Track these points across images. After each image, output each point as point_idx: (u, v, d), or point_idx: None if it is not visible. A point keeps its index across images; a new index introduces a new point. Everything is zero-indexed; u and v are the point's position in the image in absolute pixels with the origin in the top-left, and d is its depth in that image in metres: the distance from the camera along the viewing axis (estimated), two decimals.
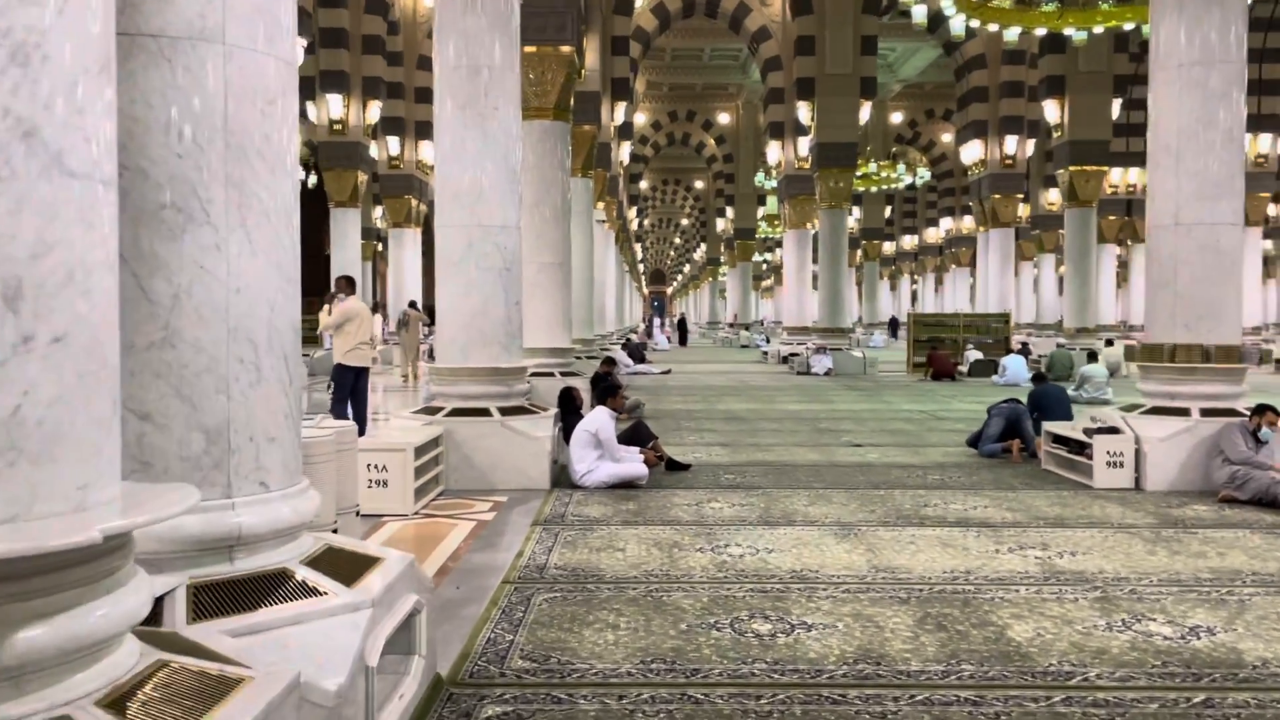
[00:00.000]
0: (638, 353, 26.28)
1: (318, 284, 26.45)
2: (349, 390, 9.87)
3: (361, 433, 9.45)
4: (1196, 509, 7.05)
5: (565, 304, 13.62)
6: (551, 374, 13.07)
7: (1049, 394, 10.84)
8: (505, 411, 8.10)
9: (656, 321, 56.42)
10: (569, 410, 9.06)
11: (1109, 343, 21.12)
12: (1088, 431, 8.06)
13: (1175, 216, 7.97)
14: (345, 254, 23.69)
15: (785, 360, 26.20)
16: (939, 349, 21.50)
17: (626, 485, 7.83)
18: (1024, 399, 10.45)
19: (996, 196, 28.54)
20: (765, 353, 29.84)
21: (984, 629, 4.29)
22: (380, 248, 42.53)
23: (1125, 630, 4.29)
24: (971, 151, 29.26)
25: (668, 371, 23.51)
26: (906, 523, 6.54)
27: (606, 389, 8.30)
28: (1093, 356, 16.99)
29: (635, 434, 8.69)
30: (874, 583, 5.05)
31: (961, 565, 5.40)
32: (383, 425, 9.60)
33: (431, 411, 8.14)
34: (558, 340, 13.59)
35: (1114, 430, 7.95)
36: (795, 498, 7.42)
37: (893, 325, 47.61)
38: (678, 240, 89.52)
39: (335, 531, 4.67)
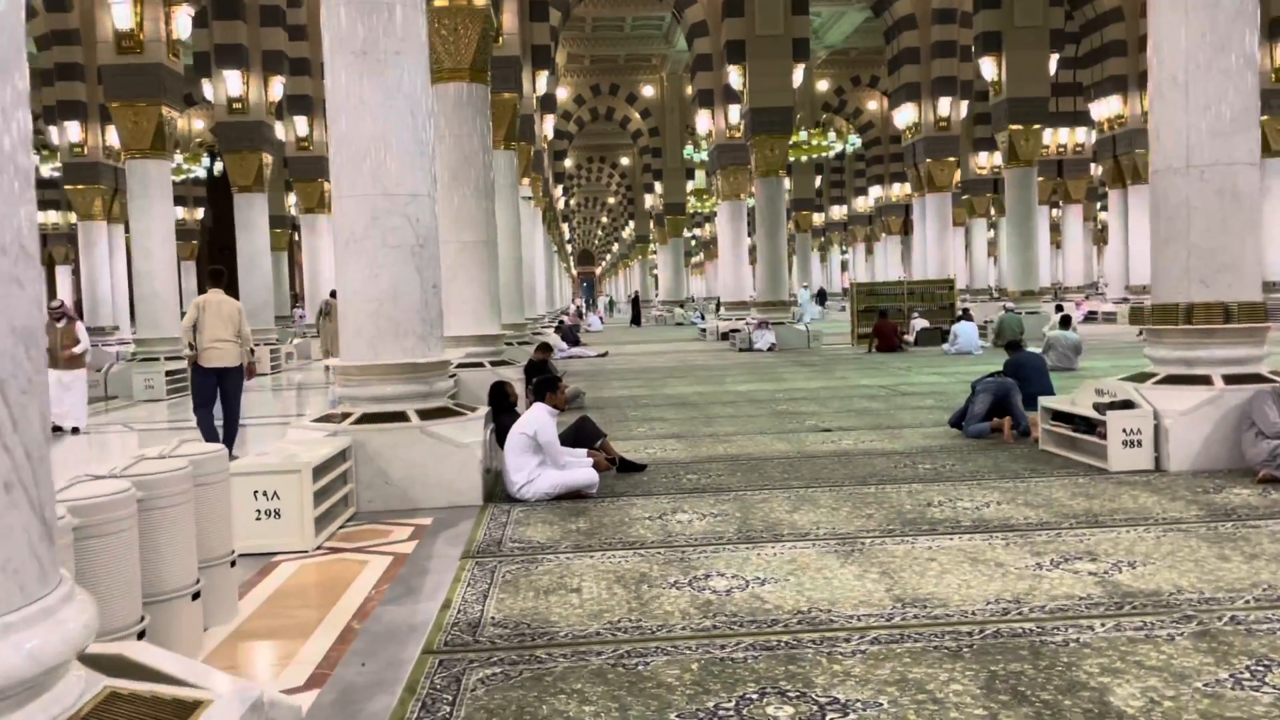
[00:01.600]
0: (571, 335, 25.03)
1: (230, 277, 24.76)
2: (209, 396, 8.92)
3: (229, 442, 8.88)
4: (1240, 493, 6.09)
5: (492, 286, 12.31)
6: (481, 364, 11.78)
7: (1027, 363, 9.91)
8: (426, 415, 6.82)
9: (584, 303, 55.23)
10: (502, 408, 7.81)
11: (1060, 308, 20.46)
12: (1099, 407, 7.07)
13: (1186, 158, 6.99)
14: (253, 243, 21.99)
15: (725, 337, 25.18)
16: (886, 319, 20.62)
17: (574, 495, 6.63)
18: (990, 371, 9.49)
19: (931, 160, 27.81)
20: (703, 330, 28.79)
21: (1076, 695, 3.19)
22: (296, 236, 40.45)
23: (1260, 686, 3.23)
24: (905, 115, 28.47)
25: (604, 354, 22.31)
26: (914, 530, 5.45)
27: (544, 382, 7.07)
28: (1065, 322, 16.20)
29: (580, 432, 7.48)
30: (906, 625, 3.93)
31: (1004, 590, 4.32)
32: (279, 437, 8.21)
33: (337, 419, 6.83)
34: (486, 326, 12.29)
35: (1128, 405, 6.97)
36: (774, 502, 6.29)
37: (820, 296, 46.83)
38: (605, 219, 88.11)
39: (142, 636, 3.37)
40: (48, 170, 32.65)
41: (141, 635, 3.43)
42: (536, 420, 6.71)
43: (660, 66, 43.28)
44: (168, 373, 15.85)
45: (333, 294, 21.10)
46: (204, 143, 38.85)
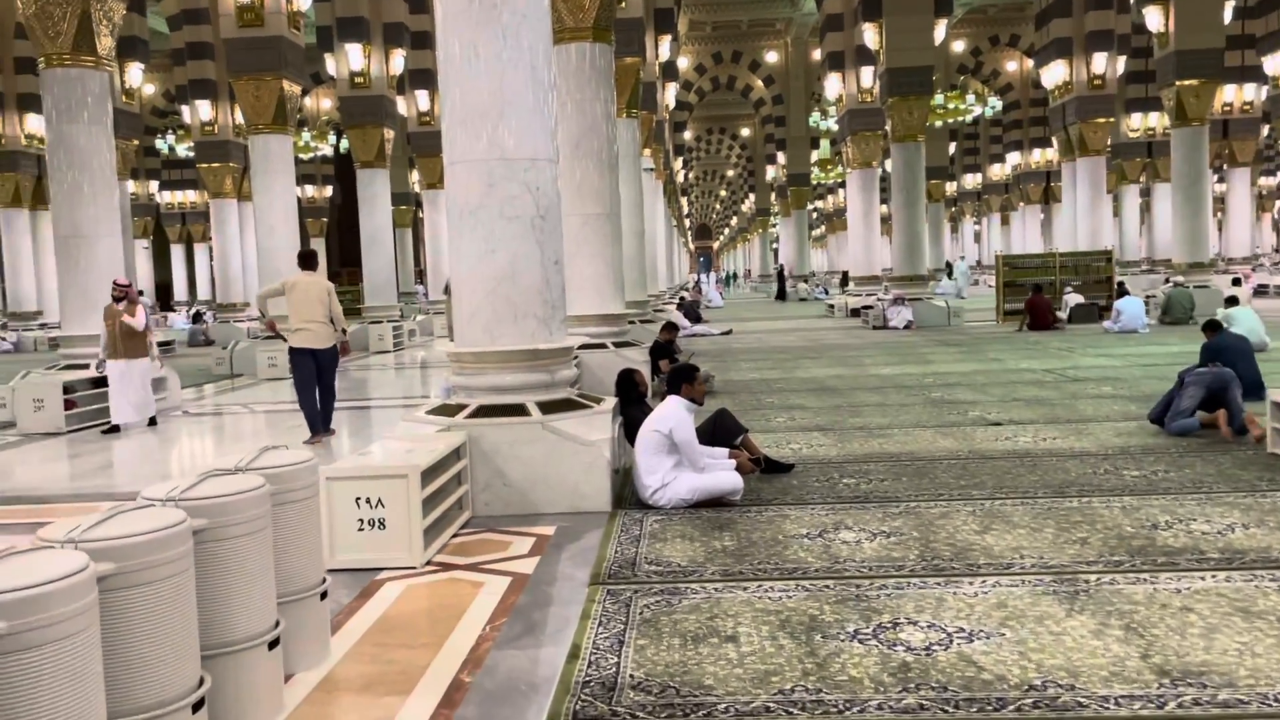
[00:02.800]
0: (693, 312, 24.16)
1: (354, 254, 24.76)
2: (306, 378, 8.89)
3: (327, 419, 9.14)
4: None
5: (616, 262, 11.51)
6: (604, 345, 11.03)
7: (1232, 348, 8.53)
8: (548, 408, 6.04)
9: (705, 277, 54.15)
10: (631, 399, 6.99)
11: (1236, 282, 18.51)
12: None
13: None
14: (374, 219, 21.79)
15: (856, 314, 23.91)
16: (1039, 294, 19.01)
17: (715, 502, 5.76)
18: (1198, 363, 8.17)
19: (1083, 122, 25.71)
20: (831, 306, 27.49)
21: None
22: (419, 212, 40.66)
23: None
24: (1054, 73, 26.40)
25: (729, 332, 21.34)
26: (1148, 562, 4.38)
27: (680, 372, 6.18)
28: (1232, 300, 14.39)
29: (718, 427, 6.58)
30: (1188, 717, 2.93)
31: None
32: (390, 428, 7.54)
33: (451, 411, 6.11)
34: (609, 305, 11.52)
35: None
36: (956, 517, 5.29)
37: (947, 270, 44.16)
38: (723, 193, 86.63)
39: (199, 707, 2.57)
40: (183, 150, 33.45)
41: (199, 706, 2.72)
42: (672, 416, 5.86)
43: (785, 31, 41.70)
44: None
45: None
46: (331, 120, 39.29)
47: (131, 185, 40.46)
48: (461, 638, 3.90)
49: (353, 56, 21.34)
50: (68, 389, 10.55)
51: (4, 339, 25.07)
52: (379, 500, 4.85)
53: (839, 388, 11.07)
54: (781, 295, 39.81)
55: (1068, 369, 11.91)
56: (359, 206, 21.99)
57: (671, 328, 11.89)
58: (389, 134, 21.99)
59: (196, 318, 29.43)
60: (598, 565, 4.71)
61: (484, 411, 5.97)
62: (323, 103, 40.77)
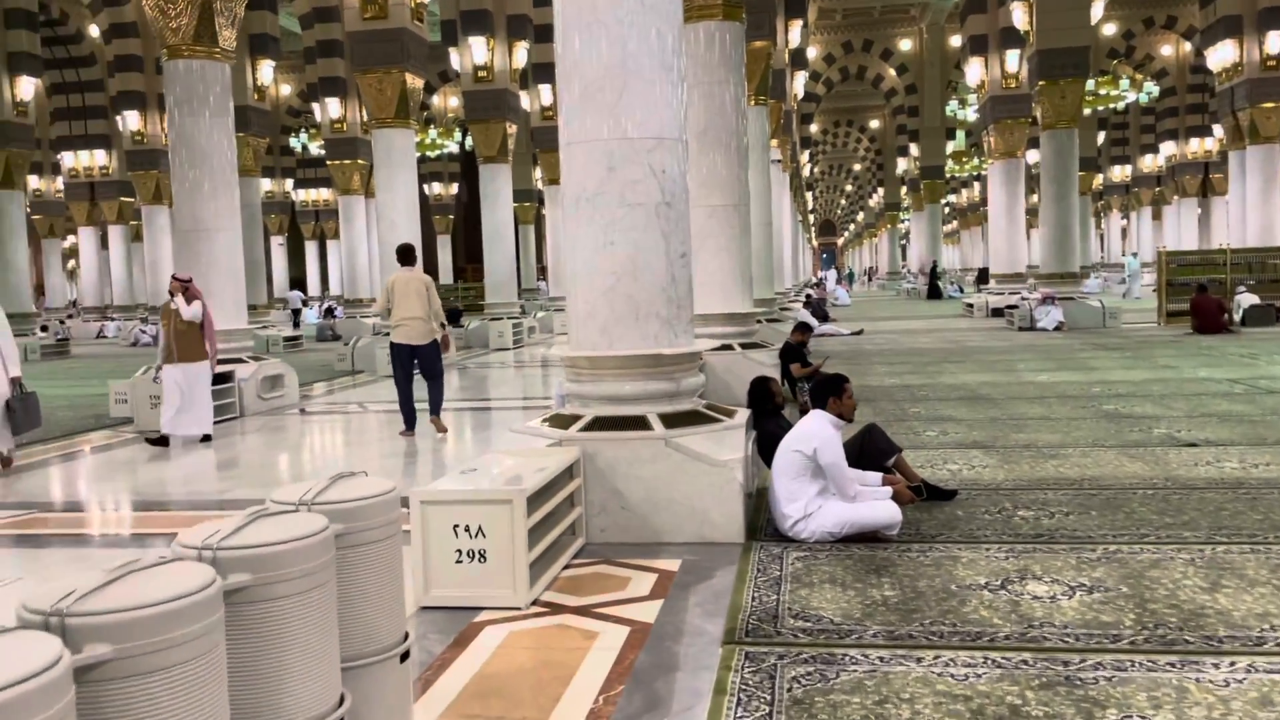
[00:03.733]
0: (820, 310, 23.11)
1: (478, 250, 24.61)
2: (404, 373, 9.06)
3: (436, 408, 9.19)
4: None
5: (744, 256, 10.71)
6: (730, 347, 10.25)
7: None
8: (672, 421, 5.30)
9: (828, 274, 52.58)
10: (765, 410, 6.18)
11: None
12: None
13: None
14: (496, 214, 21.51)
15: (998, 313, 22.44)
16: (1205, 294, 17.30)
17: (868, 537, 4.92)
18: None
19: (1254, 107, 23.48)
20: (969, 305, 25.96)
21: None
22: (542, 209, 40.65)
23: None
24: (1222, 54, 24.22)
25: (860, 332, 20.22)
26: None
27: (827, 384, 5.32)
28: None
29: (868, 446, 5.71)
30: None
31: None
32: (501, 437, 6.88)
33: (564, 422, 5.44)
34: (736, 303, 10.72)
35: None
36: (1172, 567, 4.31)
37: (1097, 267, 41.18)
38: (849, 187, 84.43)
39: None
40: (315, 148, 34.08)
41: None
42: (817, 434, 5.03)
43: (920, 17, 39.99)
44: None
45: None
46: (458, 118, 39.58)
47: (268, 183, 41.87)
48: (570, 710, 3.19)
49: (476, 50, 21.10)
50: None
51: (144, 332, 25.86)
52: (479, 529, 4.19)
53: (993, 397, 10.00)
54: (935, 294, 36.68)
55: (1258, 379, 10.51)
56: (481, 202, 21.76)
57: (804, 328, 11.00)
58: (511, 129, 21.69)
59: (328, 313, 29.90)
60: (732, 617, 3.94)
61: (600, 424, 5.27)
62: (450, 100, 41.12)
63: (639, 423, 5.24)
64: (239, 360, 11.45)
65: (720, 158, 10.52)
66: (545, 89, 25.45)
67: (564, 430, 5.28)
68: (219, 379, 10.99)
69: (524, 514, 4.17)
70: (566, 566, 4.75)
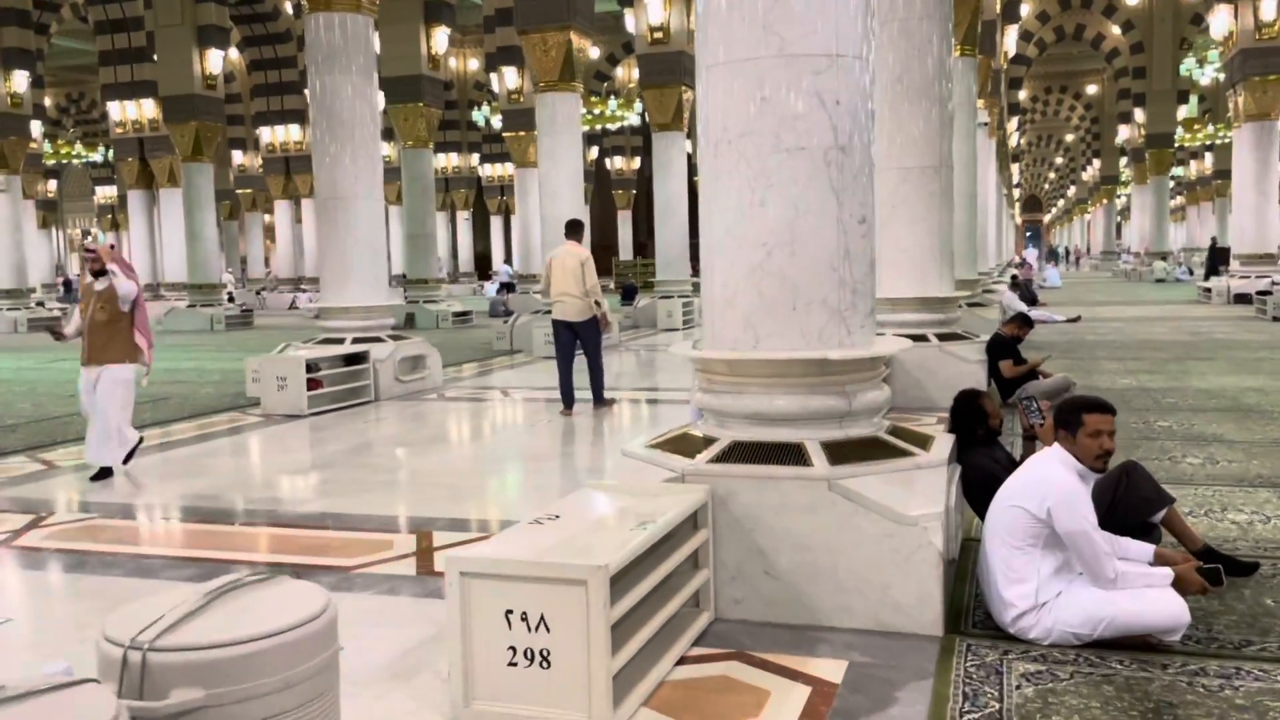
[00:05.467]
0: (1028, 293, 20.64)
1: (649, 221, 23.54)
2: (563, 351, 9.01)
3: (598, 392, 9.13)
4: None
5: (944, 229, 8.92)
6: (924, 338, 8.54)
7: None
8: (840, 453, 3.76)
9: (1032, 253, 48.46)
10: (973, 436, 4.51)
11: None
12: None
13: None
14: (669, 186, 20.14)
15: (1244, 299, 19.33)
16: None
17: (1136, 643, 3.27)
18: None
19: None
20: (1206, 289, 22.66)
21: None
22: None
23: None
24: None
25: (1077, 318, 17.71)
26: None
27: (1072, 410, 3.60)
28: None
29: (1126, 494, 3.95)
30: None
31: None
32: (607, 468, 5.43)
33: (688, 448, 3.99)
34: (932, 285, 8.96)
35: None
36: None
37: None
38: (1059, 159, 78.37)
39: None
40: (497, 122, 33.78)
41: None
42: (1052, 487, 3.38)
43: None
44: None
45: None
46: (638, 89, 38.54)
47: (455, 157, 42.22)
48: None
49: (652, 9, 19.77)
50: (311, 367, 9.58)
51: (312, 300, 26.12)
52: (540, 620, 2.84)
53: (1266, 409, 7.85)
54: (1214, 273, 29.79)
55: None
56: (653, 173, 20.51)
57: (1023, 321, 9.05)
58: (688, 94, 20.27)
59: (508, 288, 29.45)
60: None
61: (739, 453, 3.81)
62: (633, 72, 40.10)
63: (793, 454, 3.74)
64: (376, 339, 10.62)
65: (918, 109, 8.75)
66: None
67: (688, 460, 3.85)
68: (351, 359, 10.20)
69: (605, 601, 2.78)
70: (681, 660, 3.34)
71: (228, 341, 18.90)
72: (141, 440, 7.00)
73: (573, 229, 9.19)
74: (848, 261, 3.87)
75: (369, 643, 3.58)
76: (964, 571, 4.07)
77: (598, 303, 8.83)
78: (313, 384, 9.51)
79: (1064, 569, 3.39)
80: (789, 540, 3.64)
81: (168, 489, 6.50)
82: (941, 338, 8.75)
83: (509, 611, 2.87)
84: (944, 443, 4.10)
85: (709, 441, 3.95)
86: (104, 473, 6.66)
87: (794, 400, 3.85)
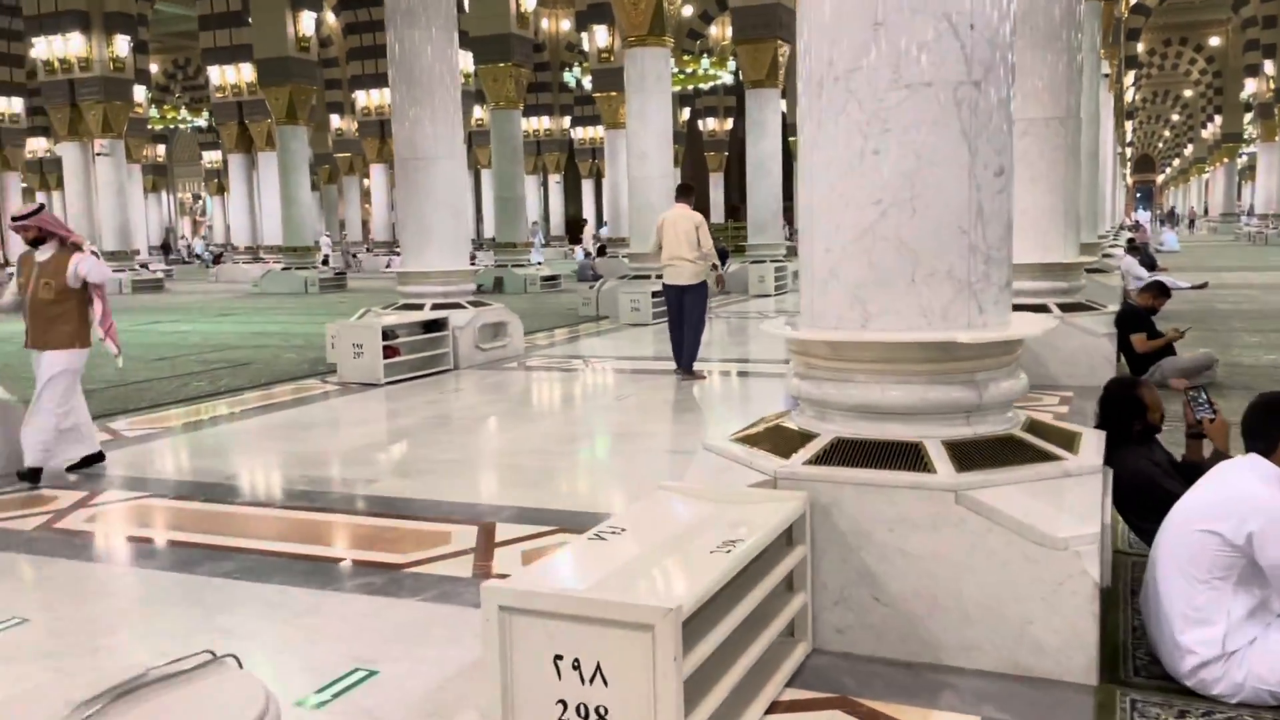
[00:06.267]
0: (1148, 257, 19.24)
1: (741, 184, 22.75)
2: (673, 316, 8.87)
3: (689, 363, 8.82)
4: None
5: (1070, 187, 8.05)
6: (1044, 308, 7.72)
7: None
8: (968, 455, 3.10)
9: (1144, 215, 45.91)
10: (1127, 432, 3.76)
11: None
12: None
13: None
14: (761, 145, 19.33)
15: None
16: None
17: None
18: None
19: None
20: None
21: None
22: None
23: None
24: None
25: (1204, 285, 16.35)
26: None
27: (1268, 415, 2.87)
28: None
29: None
30: None
31: None
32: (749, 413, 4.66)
33: (785, 444, 3.37)
34: (1055, 250, 8.12)
35: None
36: None
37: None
38: (1175, 117, 74.12)
39: None
40: (588, 83, 33.19)
41: None
42: (1256, 503, 2.66)
43: None
44: (654, 294, 13.63)
45: None
46: (732, 46, 37.43)
47: (546, 120, 41.82)
48: None
49: None
50: (388, 334, 9.21)
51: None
52: (596, 670, 2.29)
53: None
54: None
55: None
56: (746, 133, 19.70)
57: (1159, 290, 8.13)
58: (784, 49, 19.34)
59: (601, 251, 28.93)
60: None
61: (843, 454, 3.18)
62: (727, 30, 38.99)
63: (909, 456, 3.10)
64: (456, 305, 10.21)
65: (1042, 55, 7.87)
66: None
67: (782, 460, 3.24)
68: (430, 326, 9.81)
69: (676, 650, 2.22)
70: (772, 707, 2.76)
71: (319, 304, 18.86)
72: (103, 458, 5.89)
73: (684, 191, 9.08)
74: (980, 222, 3.19)
75: (406, 666, 3.10)
76: (1114, 597, 3.39)
77: (715, 265, 8.82)
78: (390, 351, 9.15)
79: (1261, 610, 2.70)
80: (904, 561, 3.02)
81: (221, 465, 6.17)
82: (1064, 308, 7.92)
83: (558, 657, 2.32)
84: (1095, 443, 3.39)
85: (806, 438, 3.33)
86: (32, 474, 5.56)
87: (911, 391, 3.20)
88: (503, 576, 3.85)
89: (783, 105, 20.91)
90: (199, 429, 7.27)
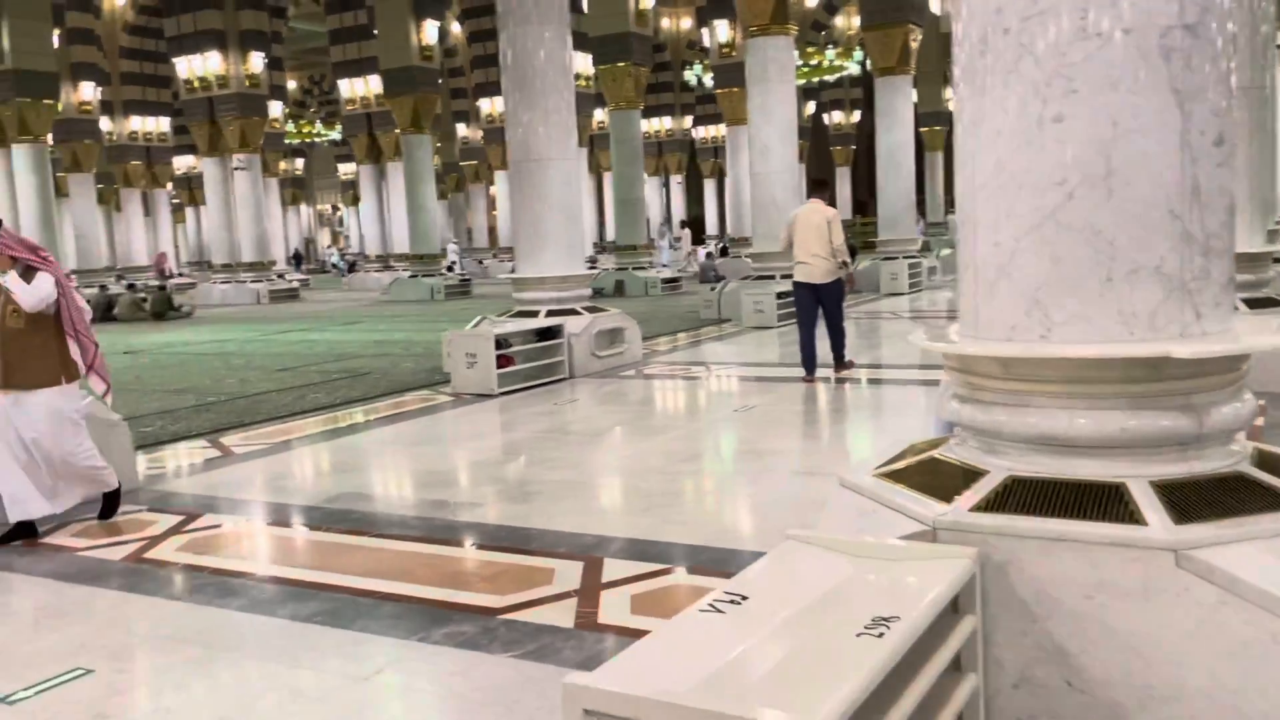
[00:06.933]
0: None
1: (869, 178, 21.84)
2: (804, 315, 8.54)
3: (839, 355, 8.69)
4: None
5: (1262, 165, 7.07)
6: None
7: None
8: (1188, 501, 2.42)
9: None
10: None
11: None
12: None
13: None
14: (892, 135, 18.46)
15: None
16: None
17: None
18: None
19: None
20: None
21: None
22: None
23: None
24: None
25: None
26: None
27: None
28: None
29: None
30: None
31: None
32: (887, 429, 3.98)
33: (945, 485, 2.75)
34: (1239, 239, 7.06)
35: None
36: None
37: None
38: None
39: None
40: (709, 81, 32.62)
41: None
42: None
43: None
44: (779, 294, 12.98)
45: None
46: (859, 35, 36.21)
47: (668, 121, 41.42)
48: None
49: None
50: (502, 343, 8.87)
51: None
52: None
53: None
54: None
55: None
56: (876, 122, 18.80)
57: None
58: (914, 34, 18.38)
59: (723, 252, 28.36)
60: None
61: (1020, 498, 2.55)
62: (853, 20, 37.82)
63: (1109, 501, 2.44)
64: (572, 311, 9.82)
65: None
66: None
67: (943, 504, 2.62)
68: (544, 334, 9.44)
69: None
70: None
71: (443, 311, 18.89)
72: (119, 493, 5.18)
73: (818, 186, 8.87)
74: (1196, 204, 2.51)
75: None
76: None
77: (845, 262, 8.51)
78: (503, 361, 8.81)
79: None
80: (1106, 637, 2.37)
81: (320, 487, 5.89)
82: (1250, 304, 6.95)
83: None
84: None
85: (971, 475, 2.70)
86: (23, 529, 4.80)
87: (1107, 418, 2.54)
88: (607, 629, 3.36)
89: (914, 94, 19.88)
90: (307, 445, 7.05)
